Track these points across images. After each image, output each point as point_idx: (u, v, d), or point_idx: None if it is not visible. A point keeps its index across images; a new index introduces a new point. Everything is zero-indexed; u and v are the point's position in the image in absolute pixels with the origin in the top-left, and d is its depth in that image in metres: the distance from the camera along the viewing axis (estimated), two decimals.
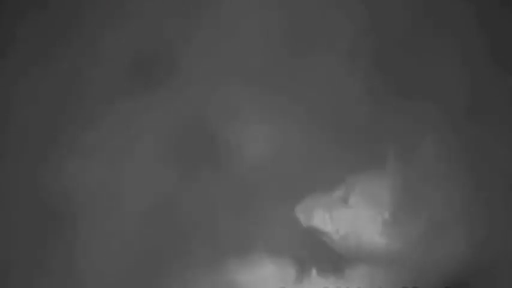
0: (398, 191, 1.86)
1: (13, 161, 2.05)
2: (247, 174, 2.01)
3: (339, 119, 2.04)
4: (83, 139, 2.05)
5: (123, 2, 2.12)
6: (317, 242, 1.92)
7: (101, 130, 2.06)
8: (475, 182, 1.90)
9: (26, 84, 2.08)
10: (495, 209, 1.91)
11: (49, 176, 2.03)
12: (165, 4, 2.12)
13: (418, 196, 1.87)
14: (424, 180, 1.88)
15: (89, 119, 2.07)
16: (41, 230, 2.00)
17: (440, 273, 1.87)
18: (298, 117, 2.05)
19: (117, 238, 1.99)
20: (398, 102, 2.01)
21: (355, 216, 1.87)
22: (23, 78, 2.09)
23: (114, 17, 2.11)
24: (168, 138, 2.06)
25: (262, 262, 1.92)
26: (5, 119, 2.07)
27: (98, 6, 2.12)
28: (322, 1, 2.09)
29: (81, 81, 2.09)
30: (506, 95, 2.01)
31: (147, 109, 2.07)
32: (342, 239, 1.88)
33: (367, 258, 1.87)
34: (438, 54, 2.05)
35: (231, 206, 2.00)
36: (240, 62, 2.09)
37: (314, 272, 1.89)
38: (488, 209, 1.90)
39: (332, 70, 2.06)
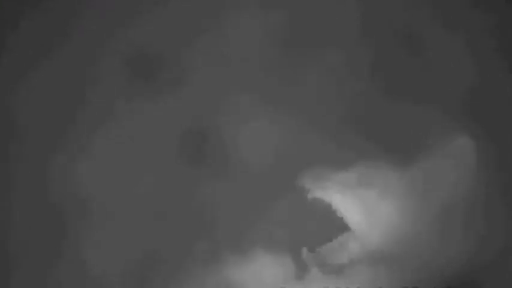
0: (401, 190, 1.86)
1: (22, 161, 2.05)
2: (248, 174, 2.01)
3: (339, 120, 2.04)
4: (90, 140, 2.06)
5: (128, 5, 2.13)
6: (317, 241, 1.92)
7: (107, 131, 2.06)
8: (474, 182, 1.90)
9: (33, 85, 2.09)
10: (494, 209, 1.90)
11: (57, 177, 2.04)
12: (169, 8, 2.13)
13: (424, 195, 1.86)
14: (429, 181, 1.88)
15: (96, 121, 2.07)
16: (49, 229, 2.01)
17: (441, 273, 1.86)
18: (299, 118, 2.05)
19: (121, 237, 1.99)
20: (398, 102, 2.01)
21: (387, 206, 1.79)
22: (28, 78, 2.09)
23: (119, 20, 2.12)
24: (171, 140, 2.06)
25: (262, 261, 1.92)
26: (13, 120, 2.08)
27: (102, 8, 2.13)
28: (322, 4, 2.10)
29: (89, 83, 2.10)
30: (509, 95, 2.01)
31: (152, 111, 2.07)
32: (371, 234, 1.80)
33: (370, 258, 1.86)
34: (440, 54, 2.05)
35: (232, 206, 2.00)
36: (242, 64, 2.09)
37: (314, 271, 1.89)
38: (487, 209, 1.89)
39: (332, 69, 2.06)
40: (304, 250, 1.90)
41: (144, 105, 2.08)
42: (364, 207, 1.85)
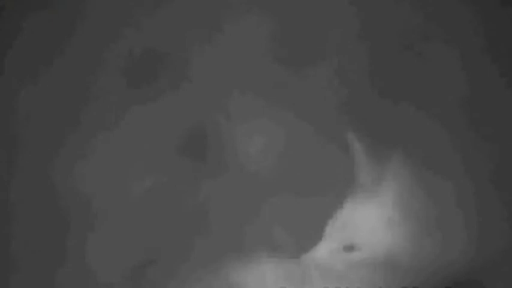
0: (401, 190, 1.86)
1: (25, 161, 2.06)
2: (248, 173, 2.02)
3: (339, 119, 2.04)
4: (92, 141, 2.07)
5: (130, 6, 2.14)
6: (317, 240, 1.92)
7: (109, 132, 2.07)
8: (474, 181, 1.90)
9: (36, 87, 2.10)
10: (494, 208, 1.90)
11: (59, 177, 2.04)
12: (170, 9, 2.13)
13: (419, 195, 1.86)
14: (424, 180, 1.88)
15: (99, 122, 2.08)
16: (51, 230, 2.02)
17: (441, 273, 1.86)
18: (300, 119, 2.05)
19: (122, 237, 2.00)
20: (393, 103, 2.02)
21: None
22: (32, 80, 2.10)
23: (121, 20, 2.13)
24: (172, 140, 2.07)
25: (262, 262, 1.92)
26: (15, 122, 2.09)
27: (105, 9, 2.14)
28: (323, 7, 2.11)
29: (90, 84, 2.11)
30: (503, 94, 2.01)
31: (153, 111, 2.08)
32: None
33: (369, 259, 1.86)
34: (434, 56, 2.05)
35: (232, 206, 2.01)
36: (244, 66, 2.10)
37: (314, 272, 1.89)
38: (488, 209, 1.89)
39: (333, 70, 2.07)
40: (305, 252, 1.91)
41: (145, 105, 2.08)
42: (364, 208, 1.86)
